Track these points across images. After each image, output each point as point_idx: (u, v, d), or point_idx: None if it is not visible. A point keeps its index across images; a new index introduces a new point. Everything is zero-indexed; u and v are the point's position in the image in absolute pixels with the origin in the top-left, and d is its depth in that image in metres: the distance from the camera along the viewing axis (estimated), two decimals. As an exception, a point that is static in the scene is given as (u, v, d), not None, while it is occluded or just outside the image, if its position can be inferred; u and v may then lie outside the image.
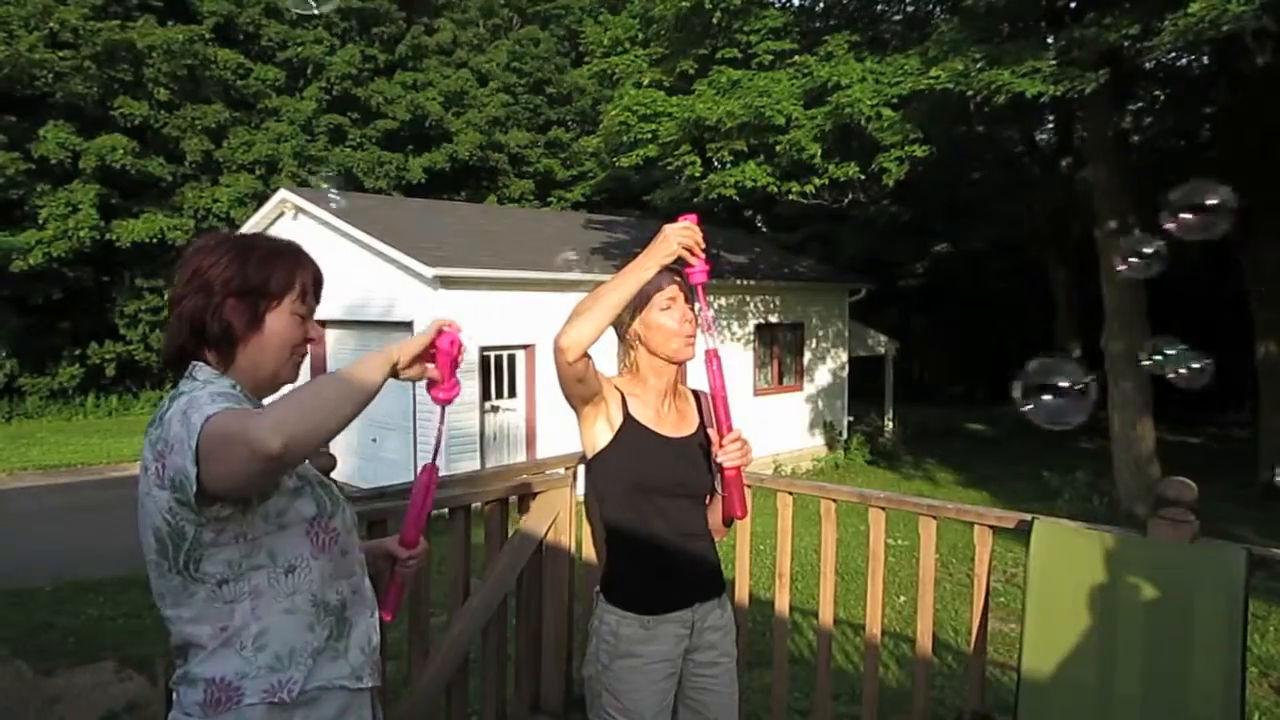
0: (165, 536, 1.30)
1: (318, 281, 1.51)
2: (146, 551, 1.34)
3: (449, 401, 1.50)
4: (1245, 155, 12.76)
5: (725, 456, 1.84)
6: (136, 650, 5.58)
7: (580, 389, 1.92)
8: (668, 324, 2.01)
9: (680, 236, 1.78)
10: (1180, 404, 17.23)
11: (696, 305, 2.01)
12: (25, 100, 18.44)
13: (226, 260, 1.40)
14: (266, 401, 1.38)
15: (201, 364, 1.40)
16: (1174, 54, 9.10)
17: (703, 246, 1.82)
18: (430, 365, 1.47)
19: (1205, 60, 13.72)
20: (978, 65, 9.42)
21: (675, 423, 2.07)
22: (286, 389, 1.40)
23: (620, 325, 2.05)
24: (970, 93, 9.53)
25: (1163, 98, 16.25)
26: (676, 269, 1.94)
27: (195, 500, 1.24)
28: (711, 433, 1.93)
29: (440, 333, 1.46)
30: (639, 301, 2.00)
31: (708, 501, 2.10)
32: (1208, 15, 7.67)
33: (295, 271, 1.46)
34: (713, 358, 1.85)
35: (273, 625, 1.36)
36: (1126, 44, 9.01)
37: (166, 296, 1.46)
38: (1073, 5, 9.75)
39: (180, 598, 1.33)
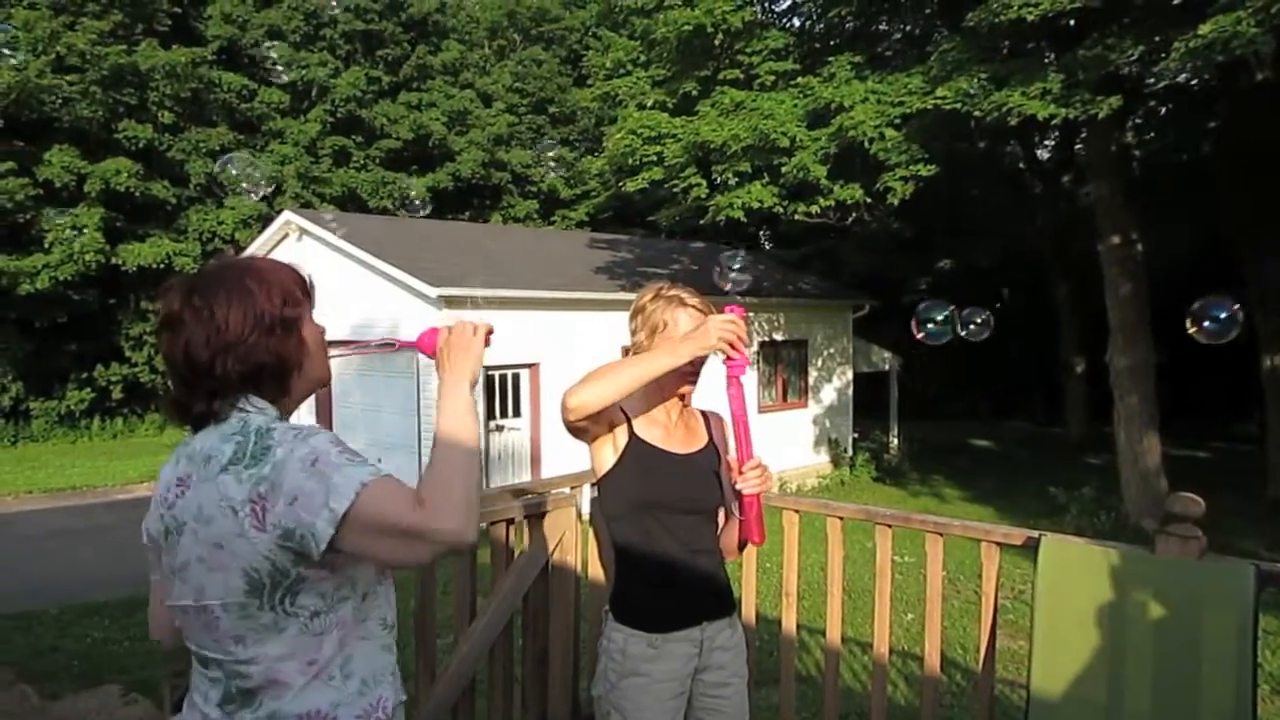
0: (265, 576, 1.27)
1: (301, 277, 1.48)
2: (226, 594, 1.29)
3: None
4: (1247, 169, 12.78)
5: (745, 484, 1.83)
6: (142, 674, 5.57)
7: (583, 435, 1.96)
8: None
9: (722, 330, 1.75)
10: (1187, 417, 17.20)
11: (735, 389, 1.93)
12: (32, 124, 18.59)
13: (237, 303, 1.34)
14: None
15: (251, 395, 1.36)
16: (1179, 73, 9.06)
17: (745, 341, 1.78)
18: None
19: (1205, 76, 13.79)
20: (984, 85, 9.43)
21: (684, 438, 2.07)
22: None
23: (635, 346, 2.05)
24: (978, 113, 9.54)
25: (1164, 113, 16.31)
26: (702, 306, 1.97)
27: (317, 553, 1.23)
28: (730, 459, 1.93)
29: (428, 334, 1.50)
30: (654, 328, 2.01)
31: (721, 522, 2.10)
32: (1218, 38, 7.59)
33: (287, 278, 1.44)
34: (735, 384, 1.85)
35: (355, 652, 1.36)
36: (1129, 66, 8.97)
37: (181, 366, 1.34)
38: (1073, 24, 9.75)
39: (267, 635, 1.30)
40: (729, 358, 1.79)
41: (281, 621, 1.29)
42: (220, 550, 1.27)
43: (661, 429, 2.04)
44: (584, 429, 1.91)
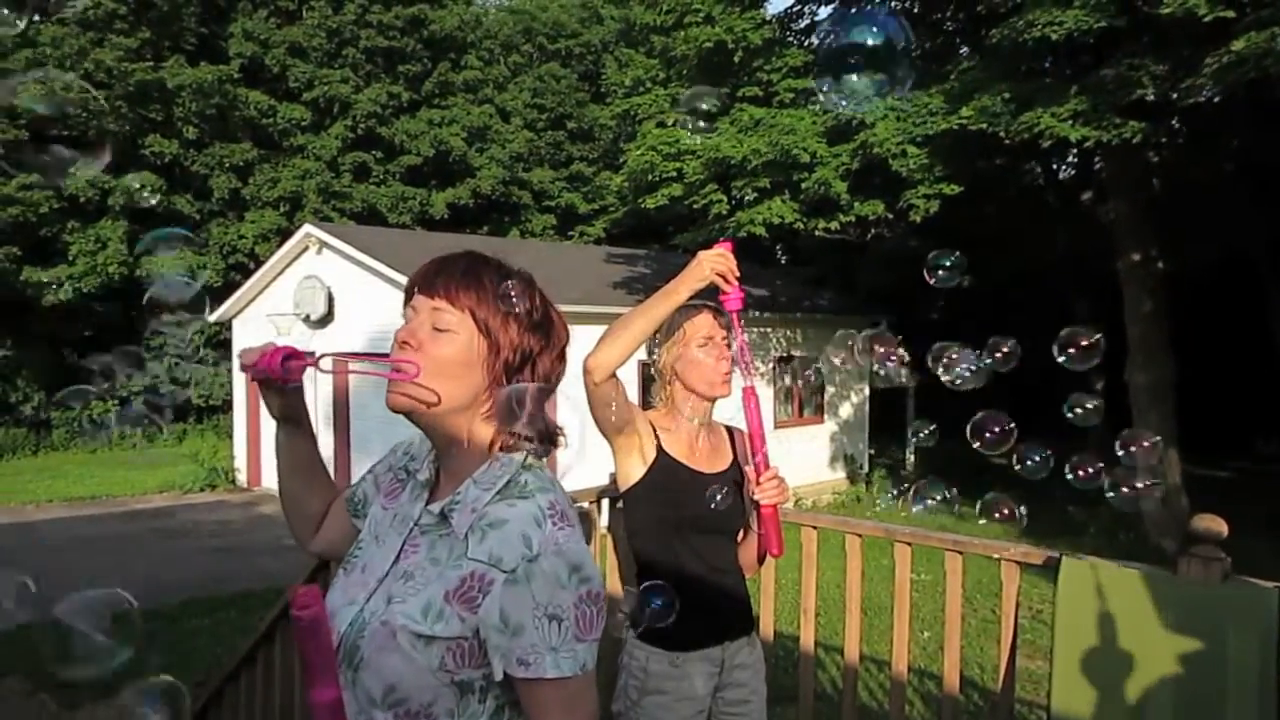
0: None
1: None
2: None
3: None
4: (1269, 186, 12.69)
5: (763, 494, 1.85)
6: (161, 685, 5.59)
7: (609, 414, 1.92)
8: (705, 360, 2.03)
9: (714, 263, 1.78)
10: (1208, 436, 17.01)
11: (731, 333, 2.02)
12: (59, 140, 18.87)
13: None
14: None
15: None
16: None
17: (737, 274, 1.81)
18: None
19: (1225, 95, 13.69)
20: (1010, 105, 9.35)
21: (710, 457, 2.08)
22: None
23: (656, 360, 2.07)
24: (1003, 134, 9.47)
25: (1186, 131, 16.19)
26: (712, 303, 1.97)
27: None
28: (748, 470, 1.94)
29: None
30: (675, 336, 2.02)
31: (740, 538, 2.11)
32: (1252, 55, 7.39)
33: None
34: (750, 395, 1.86)
35: None
36: (1155, 84, 8.82)
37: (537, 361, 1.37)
38: (1092, 41, 9.69)
39: None
40: (723, 292, 1.83)
41: None
42: None
43: (688, 446, 2.05)
44: (610, 405, 1.89)
